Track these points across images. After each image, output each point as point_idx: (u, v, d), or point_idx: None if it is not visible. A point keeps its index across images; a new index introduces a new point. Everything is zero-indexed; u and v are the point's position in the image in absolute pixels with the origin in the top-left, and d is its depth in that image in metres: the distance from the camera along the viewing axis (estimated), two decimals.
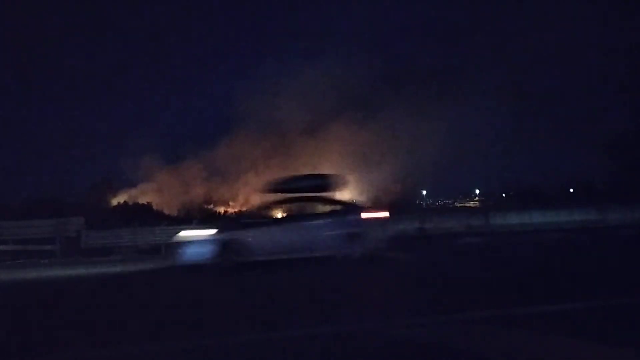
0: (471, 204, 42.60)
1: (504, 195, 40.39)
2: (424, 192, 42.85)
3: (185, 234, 10.99)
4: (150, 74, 57.03)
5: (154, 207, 30.85)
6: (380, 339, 5.02)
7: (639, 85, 34.88)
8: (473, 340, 4.85)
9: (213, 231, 10.73)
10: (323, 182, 11.96)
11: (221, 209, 33.31)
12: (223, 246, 10.50)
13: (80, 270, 13.09)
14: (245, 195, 33.85)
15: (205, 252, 10.47)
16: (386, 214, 11.48)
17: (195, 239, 10.64)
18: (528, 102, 34.74)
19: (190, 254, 10.46)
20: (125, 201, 31.71)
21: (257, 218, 11.34)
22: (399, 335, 5.09)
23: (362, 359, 4.52)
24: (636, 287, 7.43)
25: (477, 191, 44.98)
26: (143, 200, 32.17)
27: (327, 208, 11.41)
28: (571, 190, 38.25)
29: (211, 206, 33.96)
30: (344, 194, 32.20)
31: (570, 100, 35.75)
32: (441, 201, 44.03)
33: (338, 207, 11.46)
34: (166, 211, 30.98)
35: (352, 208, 11.75)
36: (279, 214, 12.70)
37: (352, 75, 31.50)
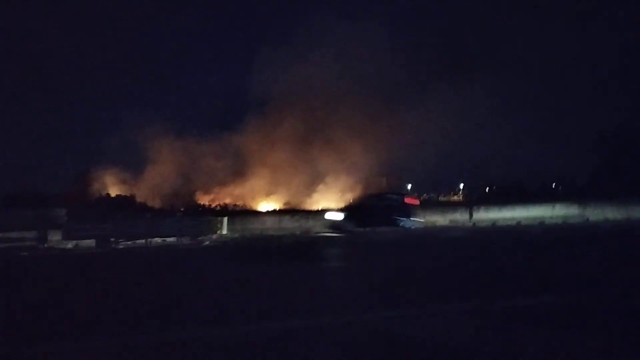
0: (455, 198, 42.85)
1: (487, 189, 40.66)
2: (409, 186, 42.96)
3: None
4: (154, 38, 48.71)
5: (137, 199, 30.38)
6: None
7: (626, 81, 35.29)
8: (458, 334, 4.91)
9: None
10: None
11: (206, 201, 32.84)
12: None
13: None
14: (250, 188, 32.95)
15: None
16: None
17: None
18: (513, 96, 34.80)
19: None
20: (107, 193, 31.13)
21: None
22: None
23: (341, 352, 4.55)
24: (611, 281, 7.60)
25: (461, 185, 45.20)
26: (130, 189, 31.51)
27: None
28: (554, 185, 38.75)
29: (195, 197, 33.38)
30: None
31: (556, 95, 36.00)
32: (427, 195, 44.15)
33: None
34: (149, 203, 30.55)
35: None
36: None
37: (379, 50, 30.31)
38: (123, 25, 42.59)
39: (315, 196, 32.19)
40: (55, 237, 17.36)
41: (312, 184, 32.51)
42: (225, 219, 20.35)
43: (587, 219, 23.61)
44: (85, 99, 42.30)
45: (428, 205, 29.80)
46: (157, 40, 49.14)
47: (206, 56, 55.72)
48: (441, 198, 42.66)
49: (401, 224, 19.63)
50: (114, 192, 31.39)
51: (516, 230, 19.89)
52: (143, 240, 17.64)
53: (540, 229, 20.15)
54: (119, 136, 31.91)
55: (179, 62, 51.17)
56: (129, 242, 17.58)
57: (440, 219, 23.47)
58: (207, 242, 18.12)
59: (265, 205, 32.05)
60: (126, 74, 49.80)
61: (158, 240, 18.03)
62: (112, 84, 48.09)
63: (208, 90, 50.86)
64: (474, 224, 23.03)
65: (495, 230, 20.48)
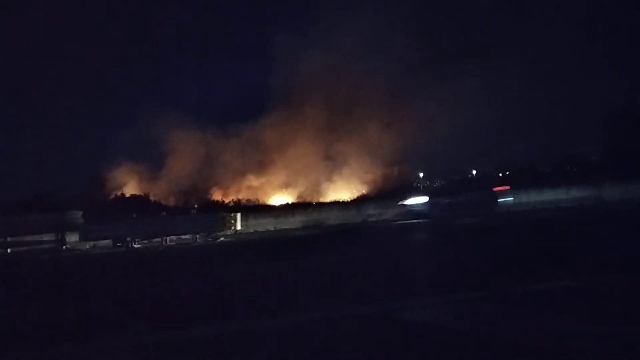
0: None
1: (500, 175, 40.30)
2: (421, 174, 42.74)
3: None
4: (171, 31, 47.96)
5: (152, 198, 30.57)
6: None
7: (636, 61, 34.65)
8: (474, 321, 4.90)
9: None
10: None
11: (219, 197, 32.89)
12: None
13: None
14: (268, 180, 32.66)
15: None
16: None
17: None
18: (524, 80, 34.29)
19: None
20: (122, 193, 31.38)
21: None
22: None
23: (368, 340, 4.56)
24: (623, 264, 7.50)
25: (474, 171, 44.83)
26: (146, 186, 31.62)
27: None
28: (568, 168, 38.28)
29: (210, 194, 33.43)
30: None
31: (567, 76, 35.40)
32: (439, 182, 43.89)
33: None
34: (164, 201, 30.74)
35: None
36: None
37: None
38: (140, 18, 42.17)
39: (336, 180, 31.88)
40: (72, 239, 17.59)
41: (334, 168, 32.28)
42: (239, 215, 20.43)
43: (604, 200, 23.14)
44: (101, 94, 41.83)
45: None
46: (174, 33, 48.29)
47: (224, 48, 54.93)
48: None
49: None
50: (129, 190, 31.66)
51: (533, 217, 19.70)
52: (159, 239, 17.80)
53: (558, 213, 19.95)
54: (134, 132, 31.87)
55: (197, 55, 50.79)
56: (145, 242, 17.77)
57: None
58: (222, 239, 18.26)
59: (279, 198, 32.04)
60: (143, 69, 49.42)
61: (173, 238, 18.19)
62: (129, 79, 47.70)
63: (226, 83, 50.26)
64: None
65: (511, 219, 20.29)
